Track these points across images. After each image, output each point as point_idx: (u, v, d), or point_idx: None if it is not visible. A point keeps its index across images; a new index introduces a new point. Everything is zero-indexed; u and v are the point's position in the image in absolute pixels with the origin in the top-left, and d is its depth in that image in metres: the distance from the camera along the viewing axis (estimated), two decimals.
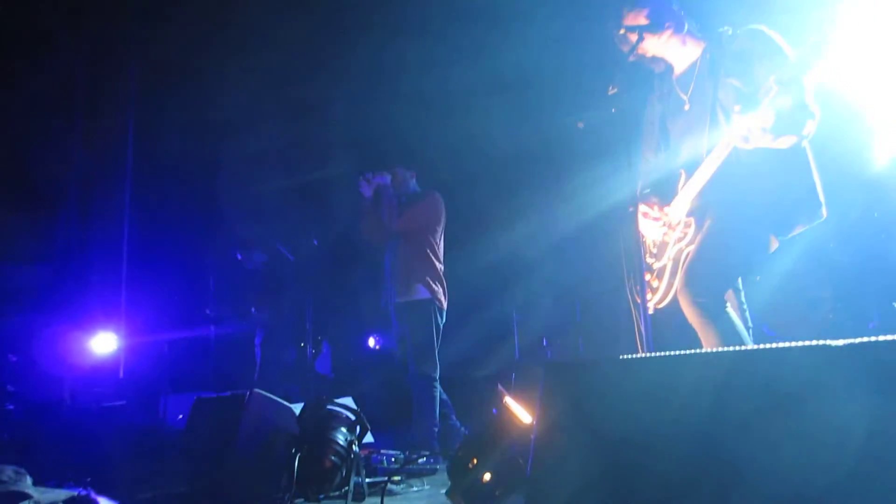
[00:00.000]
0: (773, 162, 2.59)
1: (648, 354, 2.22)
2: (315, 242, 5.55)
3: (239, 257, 6.53)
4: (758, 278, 4.87)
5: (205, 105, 6.11)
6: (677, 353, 1.73)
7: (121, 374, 6.11)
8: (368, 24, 5.59)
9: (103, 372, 5.93)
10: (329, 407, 3.29)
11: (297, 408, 3.44)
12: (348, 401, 3.60)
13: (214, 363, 6.49)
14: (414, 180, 4.71)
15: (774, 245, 2.73)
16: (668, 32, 2.86)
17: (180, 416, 5.29)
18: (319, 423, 3.21)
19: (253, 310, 6.41)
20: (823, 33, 2.27)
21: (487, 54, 5.39)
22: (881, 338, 1.43)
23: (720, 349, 1.66)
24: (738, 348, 1.59)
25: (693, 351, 1.73)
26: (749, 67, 2.62)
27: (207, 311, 6.43)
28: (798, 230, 2.71)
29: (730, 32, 2.80)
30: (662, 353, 1.80)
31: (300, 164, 6.62)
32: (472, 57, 5.44)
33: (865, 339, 1.45)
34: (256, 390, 3.37)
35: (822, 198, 2.64)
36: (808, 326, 5.24)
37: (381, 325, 7.04)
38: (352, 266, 6.76)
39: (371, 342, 7.54)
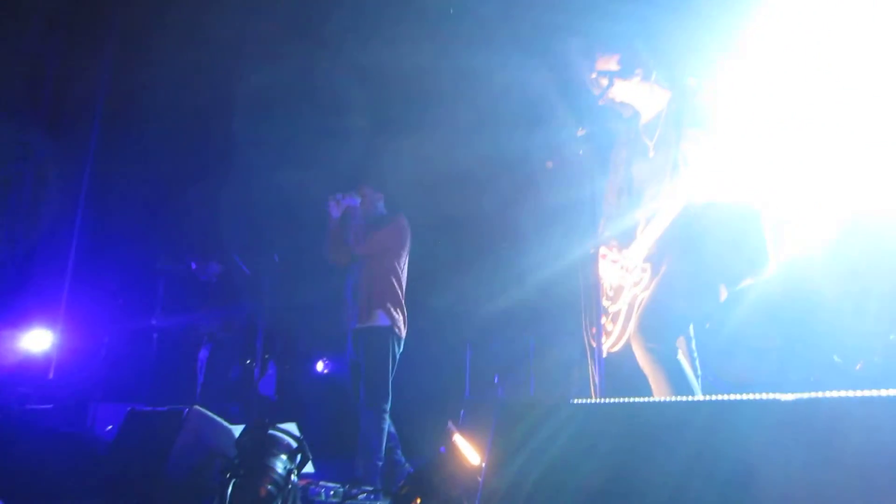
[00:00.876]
0: (728, 214, 2.67)
1: (602, 399, 2.21)
2: (276, 258, 5.42)
3: (193, 266, 6.33)
4: (707, 326, 4.97)
5: (172, 103, 5.98)
6: (631, 399, 1.72)
7: (51, 375, 5.80)
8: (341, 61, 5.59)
9: (32, 371, 5.60)
10: (271, 431, 3.17)
11: (236, 429, 3.31)
12: (292, 427, 3.47)
13: (153, 374, 6.22)
14: (382, 203, 4.66)
15: (724, 295, 2.78)
16: (637, 79, 2.94)
17: (110, 427, 5.05)
18: (258, 447, 3.08)
19: (201, 322, 6.20)
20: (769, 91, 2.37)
21: (462, 89, 5.43)
22: (827, 394, 1.44)
23: (674, 398, 1.65)
24: (694, 398, 1.59)
25: (646, 399, 1.72)
26: (709, 120, 2.71)
27: (153, 321, 6.19)
28: (746, 283, 2.78)
29: (694, 85, 2.88)
30: (616, 399, 1.79)
31: (269, 175, 6.50)
32: (441, 90, 5.47)
33: (813, 394, 1.46)
34: (196, 407, 3.23)
35: (771, 253, 2.72)
36: (755, 376, 5.35)
37: (333, 349, 6.90)
38: (310, 286, 6.63)
39: (320, 366, 7.37)
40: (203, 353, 6.18)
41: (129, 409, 3.60)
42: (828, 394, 1.43)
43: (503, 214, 6.15)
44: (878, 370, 4.89)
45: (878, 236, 4.80)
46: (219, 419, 3.36)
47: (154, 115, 6.15)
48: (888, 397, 1.36)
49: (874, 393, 1.37)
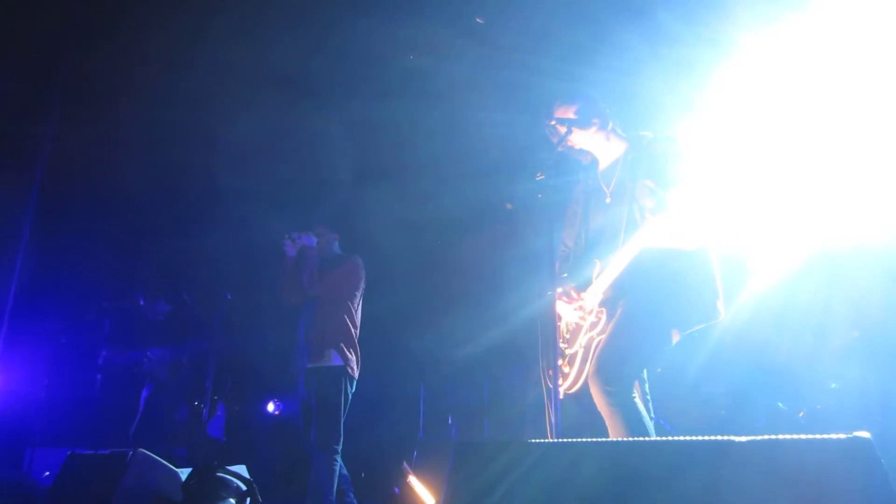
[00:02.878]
0: (680, 261, 2.77)
1: (560, 440, 2.22)
2: (228, 297, 5.31)
3: (142, 303, 6.14)
4: (659, 370, 5.07)
5: (122, 141, 5.87)
6: (589, 440, 1.74)
7: None
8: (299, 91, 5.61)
9: None
10: (219, 474, 3.07)
11: (183, 473, 3.19)
12: (242, 469, 3.37)
13: (96, 417, 5.96)
14: (336, 243, 4.64)
15: (675, 339, 2.86)
16: (594, 129, 3.05)
17: (47, 473, 4.79)
18: (206, 491, 2.99)
19: (145, 360, 5.98)
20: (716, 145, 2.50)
21: (423, 128, 5.51)
22: (781, 437, 1.50)
23: (631, 440, 1.68)
24: (653, 439, 1.61)
25: (605, 440, 1.74)
26: (663, 171, 2.82)
27: (98, 361, 5.94)
28: (697, 328, 2.87)
29: (650, 136, 3.01)
30: (574, 440, 1.81)
31: (221, 214, 6.40)
32: (401, 129, 5.54)
33: (767, 437, 1.51)
34: (141, 450, 3.11)
35: (721, 299, 2.81)
36: (701, 421, 5.45)
37: (283, 389, 6.75)
38: (262, 325, 6.49)
39: (270, 407, 7.19)
40: (145, 394, 5.95)
41: (69, 452, 3.43)
42: (780, 436, 1.48)
43: (461, 257, 6.20)
44: (819, 417, 5.06)
45: (826, 290, 5.02)
46: (164, 462, 3.24)
47: (104, 151, 6.02)
48: (837, 440, 1.41)
49: (825, 436, 1.43)
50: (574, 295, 3.01)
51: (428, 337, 6.21)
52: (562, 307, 3.00)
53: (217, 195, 6.25)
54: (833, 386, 5.16)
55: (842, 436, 1.43)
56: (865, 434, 1.43)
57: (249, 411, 7.21)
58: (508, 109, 4.96)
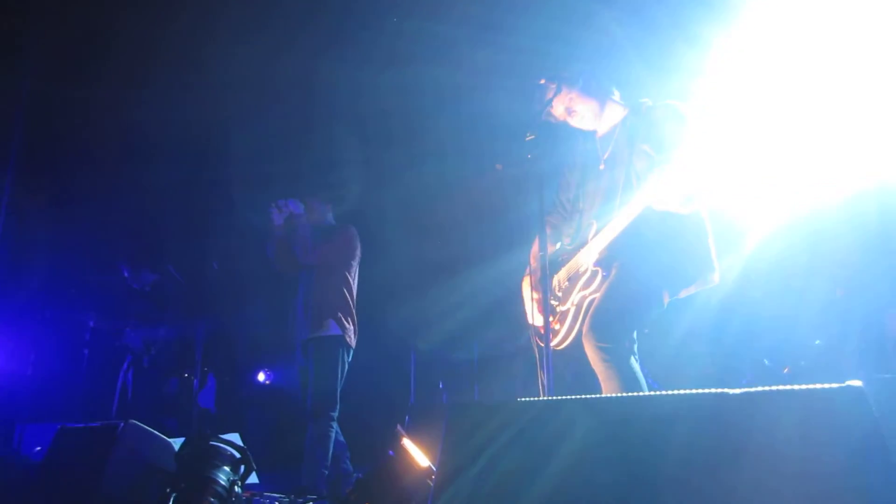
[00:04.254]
0: (676, 226, 2.78)
1: (553, 398, 2.23)
2: (215, 266, 5.25)
3: (126, 274, 6.06)
4: (646, 331, 5.12)
5: (102, 105, 5.72)
6: (585, 396, 1.74)
7: None
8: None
9: None
10: (212, 442, 3.06)
11: (176, 443, 3.18)
12: (235, 437, 3.37)
13: (85, 391, 5.92)
14: (331, 214, 4.61)
15: (666, 300, 2.89)
16: (596, 104, 3.01)
17: (38, 449, 4.77)
18: (200, 460, 2.97)
19: (132, 335, 5.93)
20: (710, 109, 2.48)
21: (411, 91, 5.43)
22: (774, 387, 1.51)
23: (625, 395, 1.68)
24: (648, 393, 1.62)
25: (597, 395, 1.74)
26: (660, 136, 2.82)
27: (85, 335, 5.88)
28: (690, 291, 2.88)
29: (649, 104, 2.99)
30: (568, 397, 1.81)
31: (207, 183, 6.28)
32: (392, 91, 5.46)
33: (760, 388, 1.52)
34: (132, 421, 3.09)
35: (716, 264, 2.83)
36: (688, 380, 5.53)
37: (274, 358, 6.75)
38: (251, 294, 6.45)
39: (261, 377, 7.19)
40: (125, 367, 5.91)
41: (59, 427, 3.40)
42: (773, 387, 1.49)
43: (450, 221, 6.17)
44: (803, 373, 5.15)
45: (811, 249, 5.06)
46: (156, 433, 3.23)
47: (83, 118, 5.88)
48: (830, 389, 1.43)
49: (819, 386, 1.44)
50: (567, 255, 3.02)
51: (418, 302, 6.21)
52: (552, 269, 3.00)
53: (202, 162, 6.14)
54: (817, 342, 5.25)
55: (834, 385, 1.44)
56: (857, 383, 1.44)
57: (240, 382, 7.22)
58: (500, 75, 4.89)
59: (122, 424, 3.04)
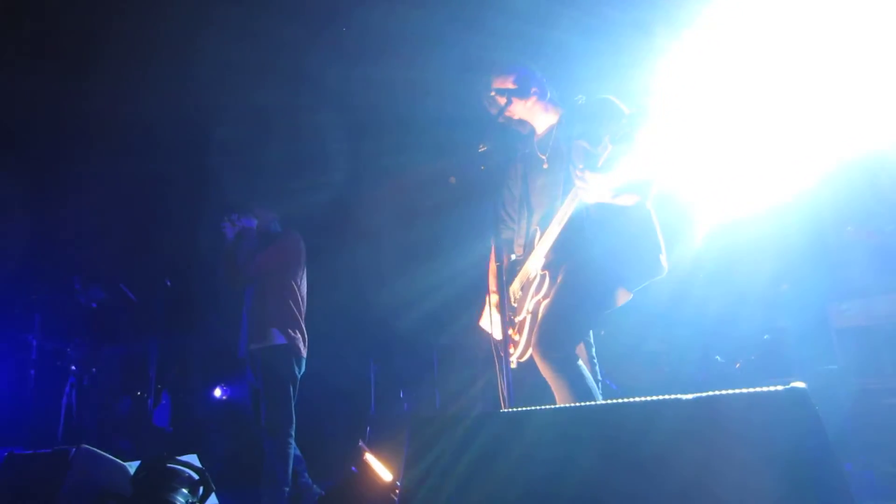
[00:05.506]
0: (621, 219, 2.78)
1: (512, 409, 2.25)
2: (168, 283, 5.12)
3: (77, 286, 5.84)
4: (602, 332, 5.21)
5: (49, 98, 5.51)
6: (537, 408, 1.77)
7: None
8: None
9: None
10: (169, 465, 3.00)
11: (131, 466, 3.10)
12: (193, 458, 3.30)
13: (33, 414, 5.70)
14: (276, 222, 4.52)
15: (624, 298, 2.88)
16: (534, 98, 3.06)
17: None
18: (156, 483, 2.91)
19: (69, 350, 5.70)
20: (650, 100, 2.52)
21: (361, 102, 5.41)
22: (724, 392, 1.56)
23: (577, 405, 1.72)
24: (596, 403, 1.65)
25: (550, 407, 1.77)
26: (596, 130, 2.83)
27: (31, 355, 5.65)
28: (644, 283, 2.89)
29: (583, 100, 3.04)
30: (525, 409, 1.83)
31: (158, 199, 6.11)
32: (345, 103, 5.43)
33: (710, 392, 1.57)
34: (84, 446, 3.00)
35: (664, 254, 2.86)
36: (645, 379, 5.65)
37: (230, 374, 6.62)
38: (205, 311, 6.31)
39: (217, 392, 7.05)
40: (78, 388, 5.70)
41: (6, 453, 3.28)
42: (723, 392, 1.54)
43: (406, 231, 6.17)
44: (754, 367, 5.32)
45: (751, 245, 5.23)
46: (110, 456, 3.14)
47: (24, 117, 5.64)
48: (775, 392, 1.48)
49: (764, 389, 1.49)
50: (518, 263, 3.05)
51: (376, 312, 6.18)
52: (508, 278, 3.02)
53: (155, 177, 5.99)
54: (766, 337, 5.43)
55: (779, 388, 1.50)
56: (801, 384, 1.50)
57: (196, 399, 7.05)
58: (450, 80, 4.91)
59: (73, 450, 2.95)
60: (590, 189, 2.61)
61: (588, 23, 4.38)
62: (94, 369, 5.77)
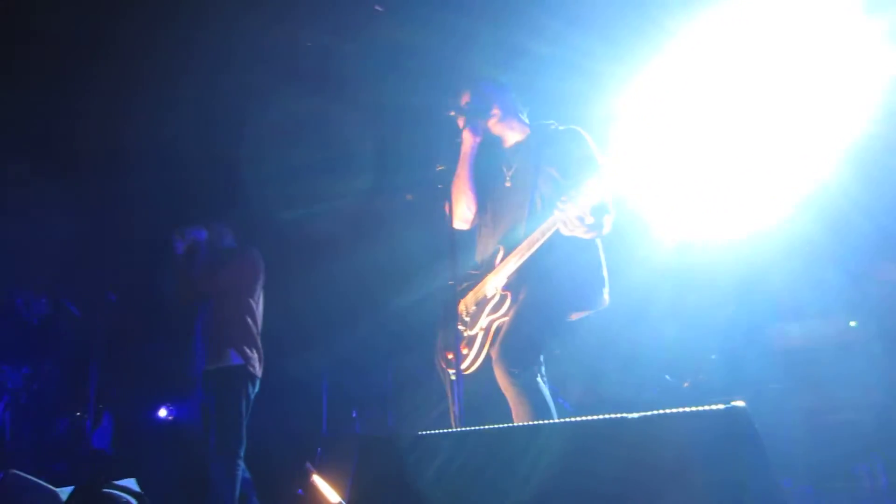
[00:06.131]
0: (574, 248, 2.85)
1: (461, 429, 2.23)
2: (112, 299, 4.93)
3: (19, 302, 5.59)
4: (557, 352, 5.26)
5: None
6: (487, 427, 1.76)
7: None
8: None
9: None
10: (105, 490, 2.88)
11: (64, 491, 2.96)
12: (131, 483, 3.17)
13: None
14: (230, 236, 4.43)
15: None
16: (494, 119, 3.08)
17: None
18: None
19: (4, 368, 5.45)
20: (620, 154, 2.59)
21: (319, 122, 5.37)
22: (668, 410, 1.58)
23: (530, 424, 1.72)
24: (548, 422, 1.65)
25: (504, 426, 1.77)
26: (567, 162, 2.91)
27: None
28: (582, 314, 2.95)
29: (553, 126, 3.08)
30: (475, 428, 1.82)
31: (106, 209, 5.90)
32: (301, 120, 5.38)
33: (656, 411, 1.59)
34: (12, 471, 2.86)
35: (607, 287, 2.95)
36: (596, 397, 5.71)
37: (177, 393, 6.42)
38: (152, 327, 6.12)
39: (162, 413, 6.82)
40: (13, 408, 5.44)
41: None
42: (668, 410, 1.56)
43: (361, 248, 6.12)
44: (703, 387, 5.43)
45: (703, 268, 5.36)
46: (41, 482, 2.99)
47: None
48: (716, 411, 1.51)
49: (705, 408, 1.52)
50: (475, 280, 3.05)
51: (328, 330, 6.10)
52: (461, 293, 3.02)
53: (101, 186, 5.79)
54: (713, 357, 5.56)
55: (720, 406, 1.53)
56: (741, 403, 1.53)
57: (139, 419, 6.80)
58: (409, 98, 4.92)
59: (1, 475, 2.80)
60: (568, 223, 2.64)
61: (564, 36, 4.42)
62: (33, 387, 5.53)
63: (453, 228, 2.91)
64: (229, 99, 5.27)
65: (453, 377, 2.90)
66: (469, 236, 3.27)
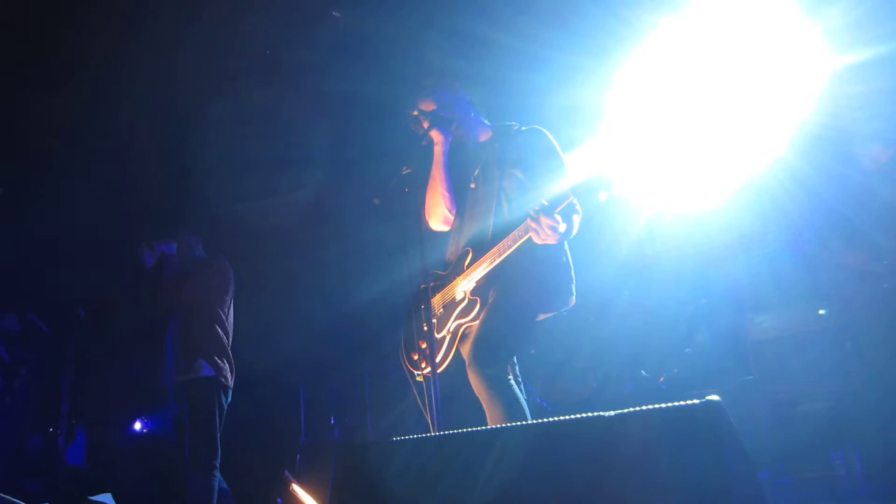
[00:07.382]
0: (543, 250, 2.85)
1: (438, 433, 2.24)
2: (81, 314, 4.83)
3: None
4: (533, 351, 5.28)
5: None
6: (465, 430, 1.76)
7: None
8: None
9: None
10: None
11: None
12: (107, 498, 3.11)
13: None
14: (200, 246, 4.37)
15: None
16: (456, 125, 3.10)
17: None
18: None
19: None
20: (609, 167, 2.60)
21: (286, 124, 5.33)
22: (645, 407, 1.59)
23: (507, 426, 1.72)
24: (523, 423, 1.66)
25: (481, 428, 1.77)
26: (531, 163, 2.92)
27: None
28: (549, 314, 2.96)
29: (515, 128, 3.10)
30: (452, 432, 1.83)
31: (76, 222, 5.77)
32: (267, 123, 5.33)
33: (633, 409, 1.60)
34: None
35: (573, 287, 2.96)
36: (574, 395, 5.75)
37: (150, 406, 6.32)
38: (123, 341, 6.01)
39: (137, 426, 6.70)
40: None
41: None
42: (644, 407, 1.58)
43: (331, 254, 6.08)
44: (678, 380, 5.50)
45: (672, 263, 5.43)
46: (13, 499, 2.93)
47: None
48: (692, 406, 1.52)
49: (682, 403, 1.54)
50: (442, 283, 3.05)
51: (304, 336, 6.05)
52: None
53: (69, 198, 5.67)
54: (687, 351, 5.63)
55: (696, 401, 1.54)
56: (715, 397, 1.55)
57: (114, 433, 6.68)
58: (375, 101, 4.90)
59: None
60: (541, 233, 2.63)
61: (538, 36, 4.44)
62: (4, 399, 5.41)
63: (423, 230, 2.90)
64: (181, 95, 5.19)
65: (419, 378, 2.93)
66: (439, 237, 3.28)
